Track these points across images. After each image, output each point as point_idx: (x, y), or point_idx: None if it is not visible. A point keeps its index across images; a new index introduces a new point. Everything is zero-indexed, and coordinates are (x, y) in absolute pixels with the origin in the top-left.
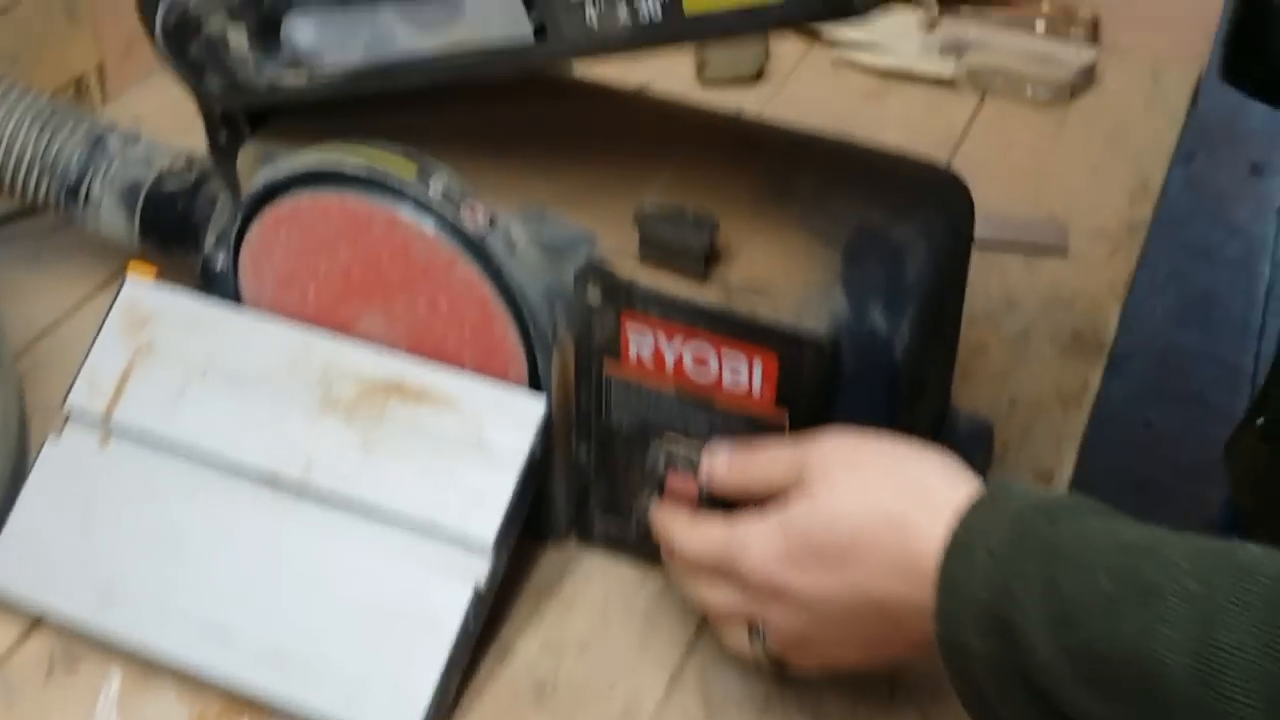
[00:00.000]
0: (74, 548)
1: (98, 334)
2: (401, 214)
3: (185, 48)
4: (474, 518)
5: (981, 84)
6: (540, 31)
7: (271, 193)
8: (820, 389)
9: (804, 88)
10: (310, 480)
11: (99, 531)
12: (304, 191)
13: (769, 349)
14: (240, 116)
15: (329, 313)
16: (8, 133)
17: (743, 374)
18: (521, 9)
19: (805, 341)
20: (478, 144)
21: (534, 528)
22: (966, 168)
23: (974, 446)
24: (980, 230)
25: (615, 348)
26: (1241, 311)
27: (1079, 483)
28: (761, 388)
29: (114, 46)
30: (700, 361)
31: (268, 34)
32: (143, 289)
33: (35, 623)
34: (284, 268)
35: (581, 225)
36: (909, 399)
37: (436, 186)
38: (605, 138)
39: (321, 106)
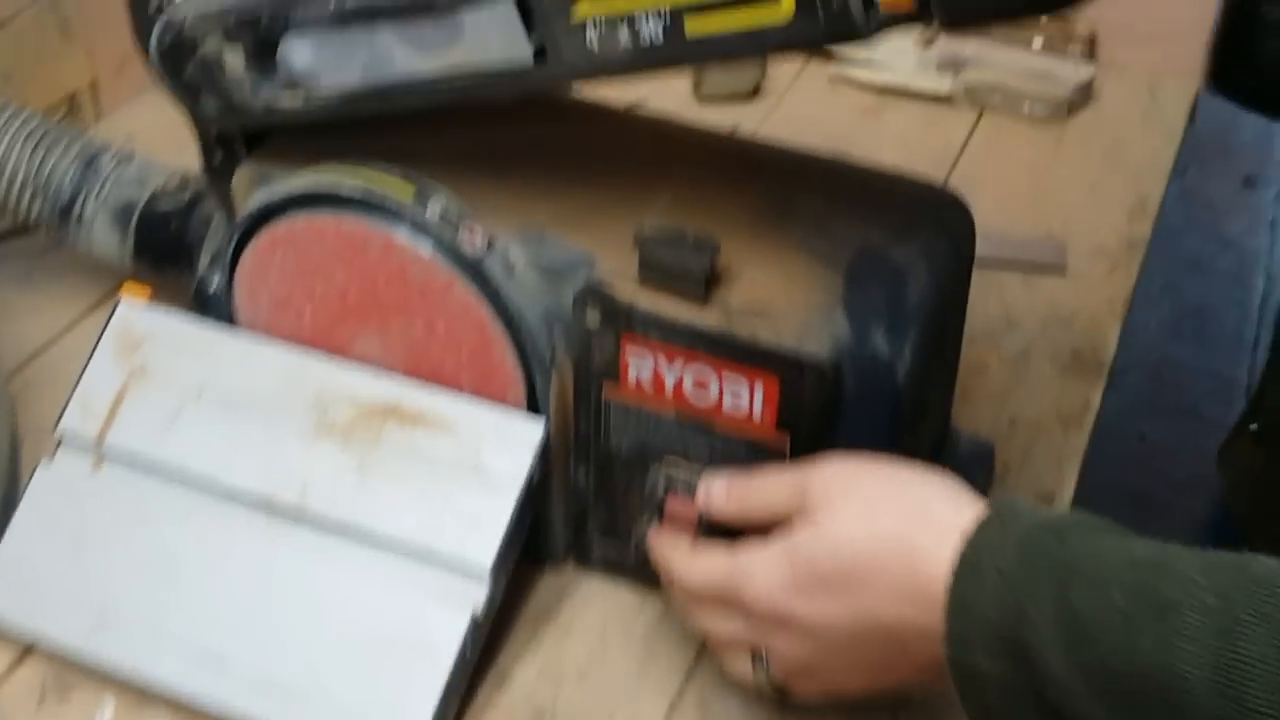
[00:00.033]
0: (66, 574)
1: (91, 357)
2: (398, 236)
3: (180, 69)
4: (471, 543)
5: (979, 100)
6: (540, 54)
7: (267, 214)
8: (822, 413)
9: (800, 104)
10: (306, 505)
11: (92, 557)
12: (300, 213)
13: (770, 373)
14: (236, 137)
15: (325, 335)
16: (0, 152)
17: (743, 398)
18: (521, 31)
19: (807, 365)
20: (476, 165)
21: (531, 551)
22: (964, 185)
23: (975, 468)
24: (979, 248)
25: (614, 371)
26: (1235, 324)
27: (1074, 497)
28: (762, 412)
29: (107, 63)
30: (700, 385)
31: (264, 55)
32: (136, 311)
33: (27, 650)
34: (280, 289)
35: (580, 247)
36: (911, 422)
37: (434, 208)
38: (604, 158)
39: (318, 127)
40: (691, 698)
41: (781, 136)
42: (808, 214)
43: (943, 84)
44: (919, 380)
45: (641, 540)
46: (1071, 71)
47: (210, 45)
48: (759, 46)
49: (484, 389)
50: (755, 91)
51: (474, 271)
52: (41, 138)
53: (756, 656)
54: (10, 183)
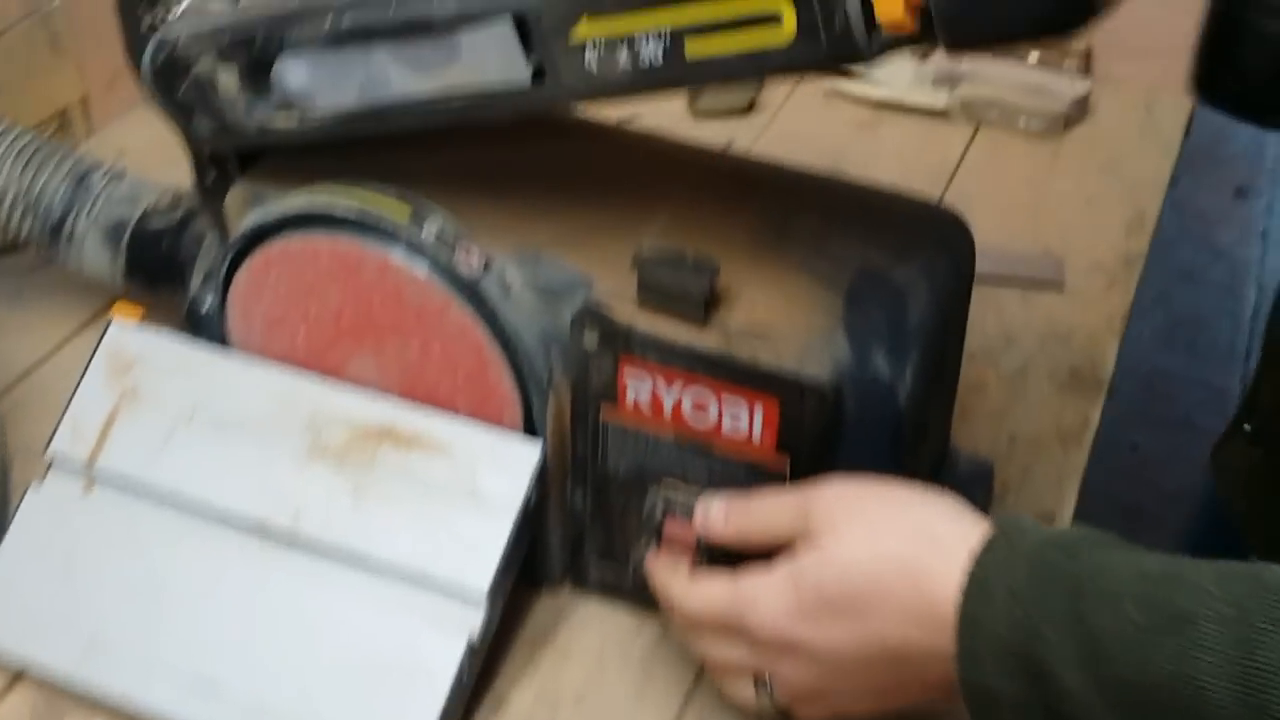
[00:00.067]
0: (57, 599)
1: (81, 378)
2: (393, 257)
3: (173, 89)
4: (467, 567)
5: (975, 115)
6: (538, 74)
7: (261, 235)
8: (822, 436)
9: (796, 119)
10: (299, 529)
11: (83, 582)
12: (294, 234)
13: (770, 395)
14: (230, 156)
15: (319, 356)
16: None
17: (743, 420)
18: (519, 52)
19: (807, 388)
20: (472, 183)
21: (528, 573)
22: (960, 200)
23: (974, 487)
24: (976, 265)
25: (612, 393)
26: (1227, 335)
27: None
28: (762, 434)
29: (98, 79)
30: (699, 407)
31: (258, 75)
32: (128, 332)
33: (17, 676)
34: (273, 310)
35: (578, 268)
36: (912, 444)
37: (430, 229)
38: (601, 178)
39: (313, 146)
40: None
41: (777, 151)
42: (806, 234)
43: (938, 99)
44: (920, 402)
45: (640, 563)
46: (1067, 86)
47: (204, 65)
48: (759, 68)
49: (480, 411)
50: (750, 106)
51: (470, 293)
52: (33, 155)
53: (760, 682)
54: (0, 200)
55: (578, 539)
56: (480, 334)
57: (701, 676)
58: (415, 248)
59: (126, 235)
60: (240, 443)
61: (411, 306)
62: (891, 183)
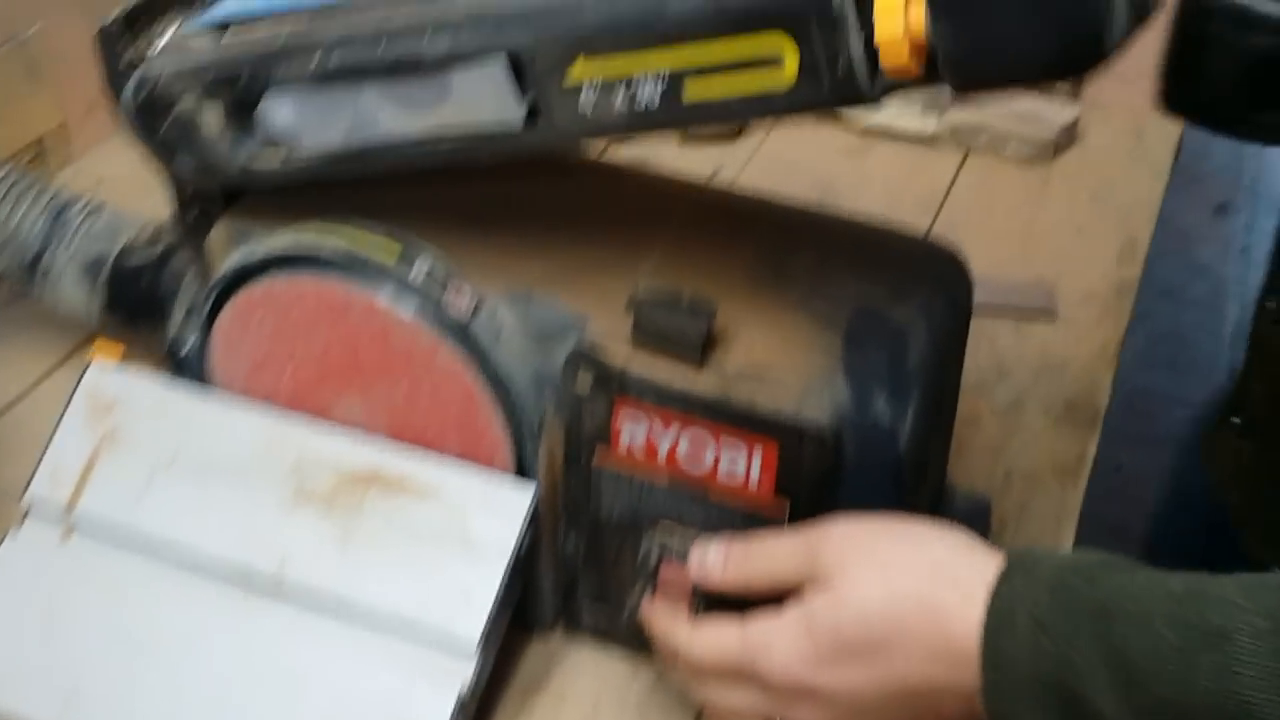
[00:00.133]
0: (35, 651)
1: (60, 421)
2: (380, 300)
3: (155, 127)
4: (458, 616)
5: (964, 141)
6: (532, 115)
7: (245, 275)
8: (822, 481)
9: (784, 145)
10: (285, 576)
11: (61, 633)
12: (279, 274)
13: (769, 439)
14: (213, 193)
15: (305, 397)
16: None
17: (740, 464)
18: (512, 92)
19: (807, 432)
20: (462, 220)
21: (519, 617)
22: (950, 228)
23: (972, 525)
24: None
25: (606, 436)
26: (1209, 352)
27: None
28: (760, 479)
29: (76, 106)
30: (696, 451)
31: (243, 114)
32: (107, 373)
33: None
34: (258, 351)
35: (571, 308)
36: (913, 487)
37: (419, 269)
38: (593, 214)
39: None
40: None
41: (765, 178)
42: (803, 272)
43: (927, 124)
44: (921, 445)
45: (635, 608)
46: (1057, 112)
47: (186, 103)
48: (759, 112)
49: (471, 453)
50: (739, 132)
51: (461, 335)
52: (9, 188)
53: None
54: None
55: (570, 583)
56: (471, 376)
57: None
58: (404, 289)
59: (105, 271)
60: (224, 487)
61: (400, 349)
62: (881, 211)
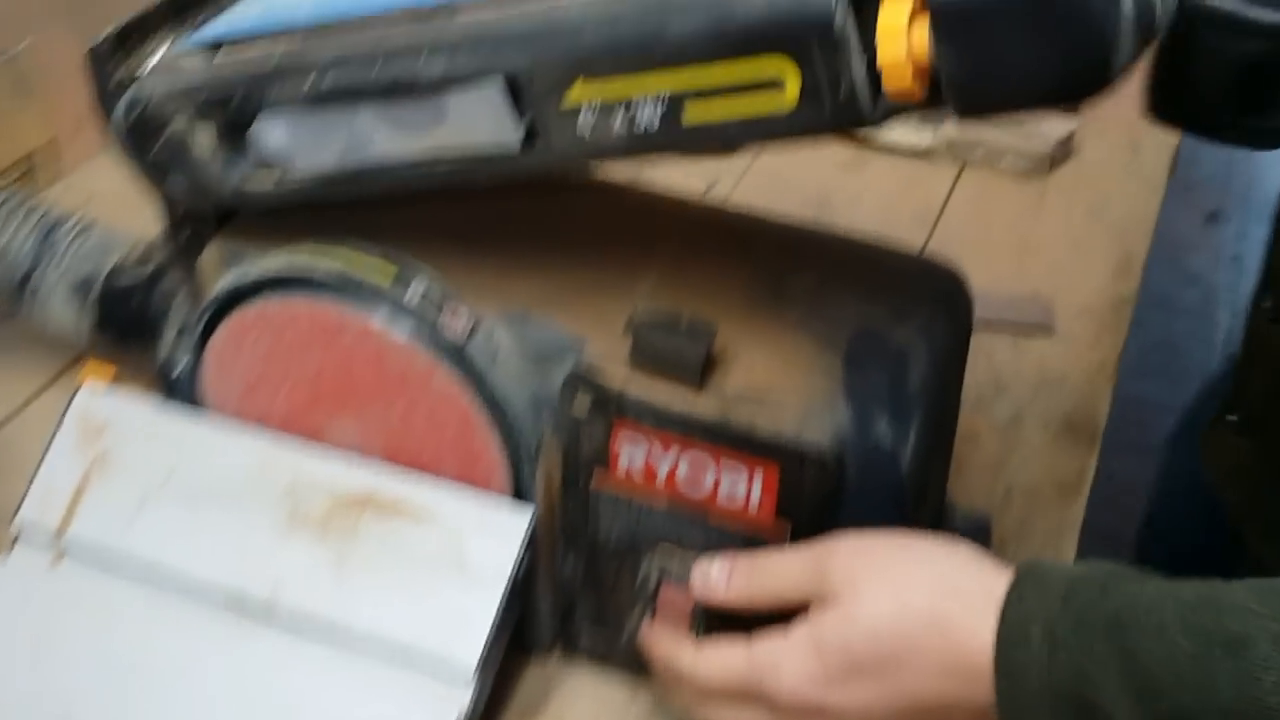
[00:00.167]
0: (25, 677)
1: (50, 444)
2: (376, 322)
3: (146, 147)
4: (455, 641)
5: (960, 155)
6: (529, 137)
7: (238, 297)
8: (823, 504)
9: (779, 159)
10: (278, 601)
11: (52, 660)
12: (273, 296)
13: (769, 462)
14: (206, 213)
15: (298, 420)
16: None
17: (740, 487)
18: (509, 114)
19: (808, 455)
20: (458, 242)
21: (516, 640)
22: (946, 243)
23: (973, 542)
24: None
25: (604, 459)
26: (1200, 360)
27: None
28: (760, 502)
29: (66, 123)
30: (695, 474)
31: (236, 135)
32: (98, 395)
33: None
34: (251, 373)
35: (568, 329)
36: (914, 508)
37: (415, 291)
38: (590, 233)
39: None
40: None
41: (760, 190)
42: (803, 293)
43: (923, 138)
44: (922, 467)
45: (634, 631)
46: (1052, 126)
47: (178, 124)
48: (759, 135)
49: (467, 476)
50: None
51: (457, 357)
52: None
53: None
54: None
55: (569, 606)
56: (466, 400)
57: None
58: (399, 312)
59: (95, 291)
60: (217, 512)
61: (396, 371)
62: (876, 224)
